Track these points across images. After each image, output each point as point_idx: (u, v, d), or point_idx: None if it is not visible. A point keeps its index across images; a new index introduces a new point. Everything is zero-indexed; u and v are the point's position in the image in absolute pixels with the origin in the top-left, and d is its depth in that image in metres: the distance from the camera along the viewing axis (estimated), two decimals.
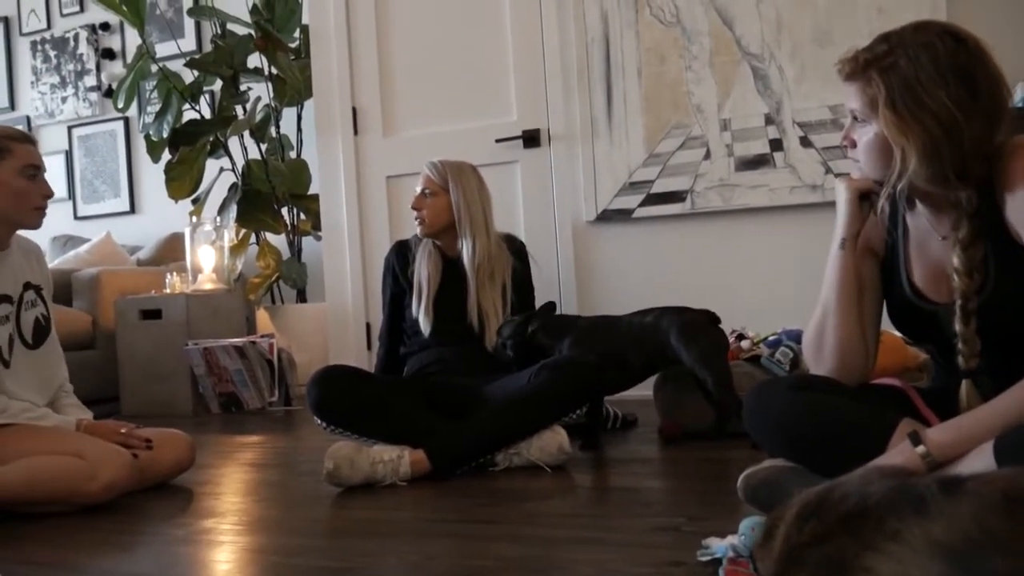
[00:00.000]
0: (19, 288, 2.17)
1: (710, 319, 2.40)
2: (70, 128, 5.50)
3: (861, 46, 1.44)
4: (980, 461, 1.23)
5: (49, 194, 2.14)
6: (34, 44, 5.60)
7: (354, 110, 3.86)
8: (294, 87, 4.25)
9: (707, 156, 3.23)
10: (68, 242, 5.02)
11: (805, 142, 3.10)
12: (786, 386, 1.54)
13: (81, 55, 5.46)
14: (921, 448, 1.30)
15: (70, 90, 5.50)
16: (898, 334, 1.70)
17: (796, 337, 2.54)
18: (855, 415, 1.44)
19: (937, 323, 1.47)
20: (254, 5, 4.36)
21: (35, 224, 2.14)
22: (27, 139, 2.12)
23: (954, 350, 1.43)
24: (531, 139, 3.51)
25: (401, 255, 2.68)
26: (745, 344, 2.62)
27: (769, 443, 1.56)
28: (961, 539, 0.56)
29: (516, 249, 2.71)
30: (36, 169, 2.11)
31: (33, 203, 2.10)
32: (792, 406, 1.48)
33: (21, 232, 2.21)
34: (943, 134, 1.34)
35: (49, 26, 5.55)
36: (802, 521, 0.68)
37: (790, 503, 0.75)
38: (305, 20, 4.26)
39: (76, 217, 5.45)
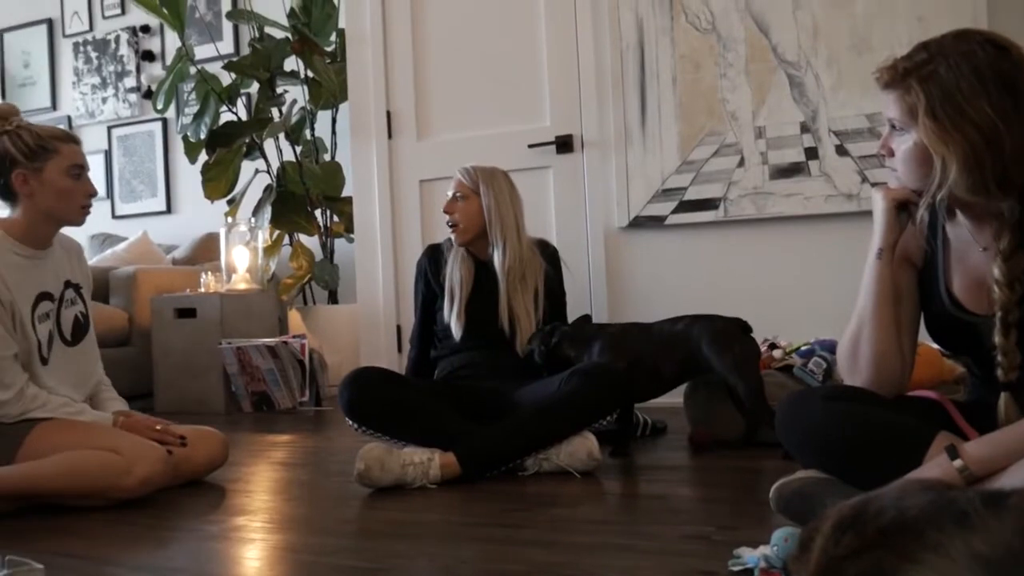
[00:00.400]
0: (60, 286, 2.21)
1: (742, 327, 2.39)
2: (110, 128, 5.59)
3: (900, 54, 1.43)
4: (1020, 475, 1.21)
5: (93, 193, 2.18)
6: (76, 46, 5.70)
7: (388, 114, 3.89)
8: (329, 90, 4.29)
9: (741, 164, 3.22)
10: (106, 240, 5.10)
11: (841, 151, 3.08)
12: (821, 396, 1.52)
13: (122, 57, 5.55)
14: (959, 462, 1.28)
15: (110, 91, 5.59)
16: (935, 346, 1.68)
17: (829, 347, 2.52)
18: (891, 427, 1.43)
19: (976, 335, 1.45)
20: (291, 9, 4.42)
21: (79, 222, 2.19)
22: (72, 139, 2.17)
23: (993, 363, 1.41)
24: (564, 145, 3.52)
25: (433, 259, 2.70)
26: (777, 353, 2.61)
27: (802, 454, 1.55)
28: (1005, 553, 0.55)
29: (549, 254, 2.71)
30: (81, 169, 2.15)
31: (78, 202, 2.15)
32: (827, 417, 1.47)
33: (63, 230, 2.25)
34: (984, 143, 1.32)
35: (91, 28, 5.66)
36: (839, 533, 0.67)
37: (825, 515, 0.74)
38: (341, 24, 4.31)
39: (114, 216, 5.54)
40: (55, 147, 2.10)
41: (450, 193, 2.62)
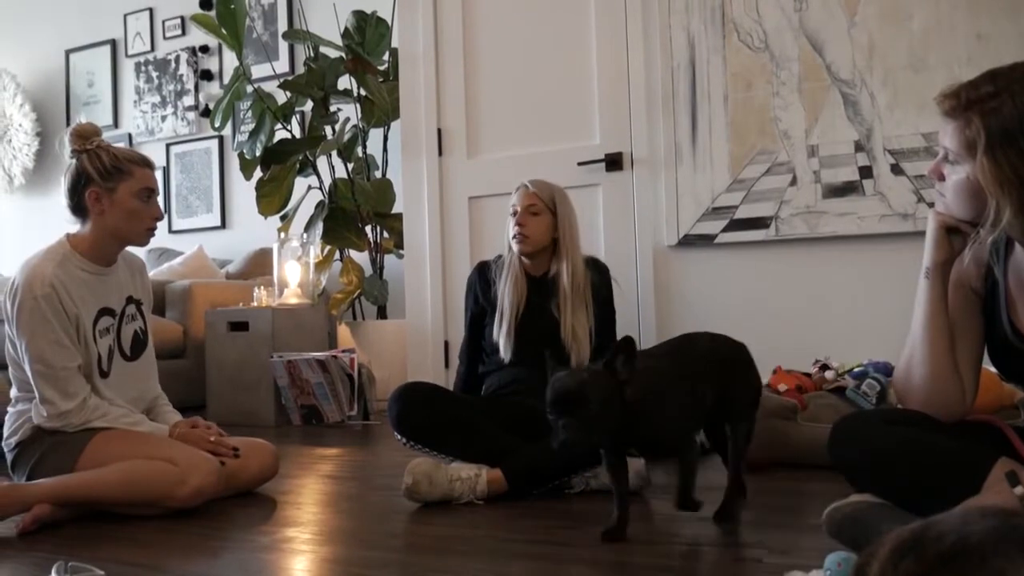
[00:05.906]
0: (122, 302, 2.27)
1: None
2: (168, 145, 5.74)
3: (959, 72, 1.41)
4: None
5: (160, 216, 2.24)
6: (138, 65, 5.87)
7: (439, 131, 3.93)
8: (382, 108, 4.35)
9: (793, 182, 3.18)
10: (163, 255, 5.23)
11: (896, 170, 3.03)
12: (878, 420, 1.49)
13: (181, 76, 5.70)
14: (1019, 489, 1.25)
15: (169, 109, 5.75)
16: (993, 370, 1.64)
17: (883, 369, 2.47)
18: (949, 452, 1.40)
19: None
20: (346, 29, 4.50)
21: (143, 243, 2.25)
22: (148, 163, 2.23)
23: None
24: (614, 162, 3.52)
25: (483, 276, 2.70)
26: (829, 375, 2.57)
27: (857, 477, 1.52)
28: None
29: (600, 272, 2.70)
30: (151, 192, 2.21)
31: (145, 224, 2.21)
32: (884, 440, 1.44)
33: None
34: None
35: (152, 48, 5.82)
36: (898, 558, 0.66)
37: (883, 540, 0.73)
38: (394, 44, 4.38)
39: (170, 231, 5.67)
40: (129, 169, 2.17)
41: (518, 207, 2.59)
